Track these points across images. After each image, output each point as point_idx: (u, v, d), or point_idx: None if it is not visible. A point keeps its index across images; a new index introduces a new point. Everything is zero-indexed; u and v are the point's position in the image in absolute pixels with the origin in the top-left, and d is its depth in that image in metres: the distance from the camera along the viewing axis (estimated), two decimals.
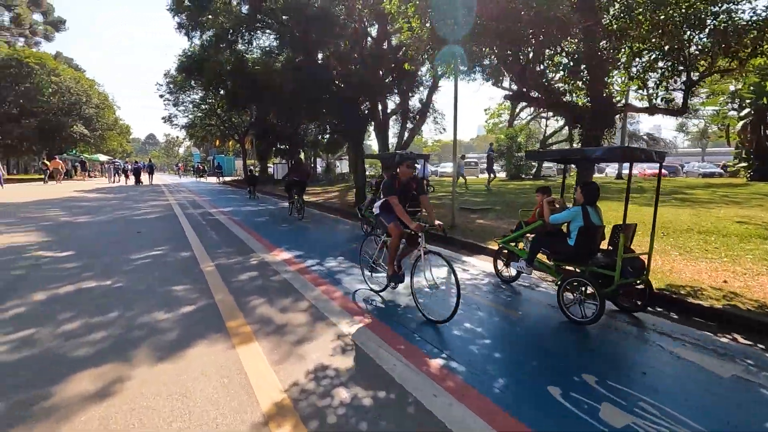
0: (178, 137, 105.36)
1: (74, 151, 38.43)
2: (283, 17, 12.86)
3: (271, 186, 24.58)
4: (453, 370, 2.97)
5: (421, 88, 19.33)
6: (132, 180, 28.95)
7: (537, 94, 6.86)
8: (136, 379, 2.78)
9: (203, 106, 30.76)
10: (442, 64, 7.93)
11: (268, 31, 15.25)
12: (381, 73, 16.30)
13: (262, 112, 21.06)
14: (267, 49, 17.30)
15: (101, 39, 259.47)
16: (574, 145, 21.25)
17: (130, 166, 31.16)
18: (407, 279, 4.35)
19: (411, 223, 4.05)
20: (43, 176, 27.81)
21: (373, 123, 18.84)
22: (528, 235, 4.99)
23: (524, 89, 6.82)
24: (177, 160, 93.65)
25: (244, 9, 13.95)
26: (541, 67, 6.84)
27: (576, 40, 6.22)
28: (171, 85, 28.57)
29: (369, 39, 16.30)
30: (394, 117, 23.65)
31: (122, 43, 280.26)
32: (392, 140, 24.40)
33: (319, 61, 14.28)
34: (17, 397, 2.55)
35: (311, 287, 4.88)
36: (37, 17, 40.33)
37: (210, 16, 13.25)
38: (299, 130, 22.64)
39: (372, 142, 40.43)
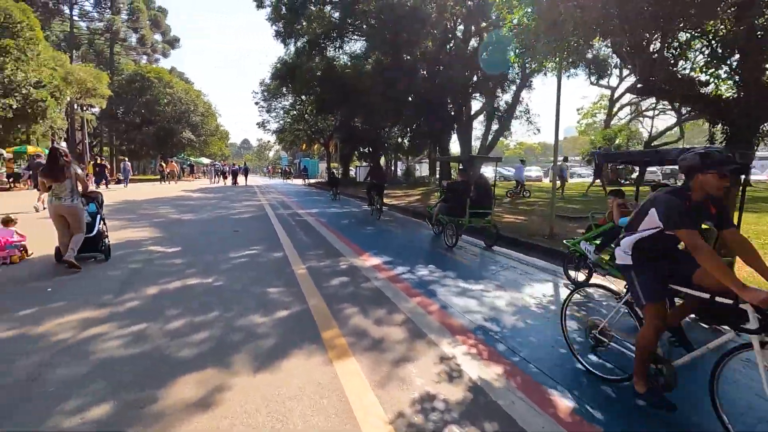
0: (269, 141, 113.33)
1: (182, 155, 42.98)
2: (372, 21, 12.93)
3: (353, 188, 25.09)
4: (589, 417, 2.44)
5: (513, 87, 18.26)
6: (230, 181, 31.73)
7: (666, 86, 5.87)
8: (235, 389, 2.67)
9: (292, 112, 32.55)
10: (545, 57, 7.19)
11: (357, 35, 15.50)
12: (467, 72, 15.71)
13: (347, 116, 21.60)
14: (355, 53, 17.66)
15: (206, 52, 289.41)
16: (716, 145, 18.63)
17: (228, 169, 34.10)
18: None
19: (747, 292, 2.06)
20: (159, 177, 31.67)
21: (455, 125, 18.26)
22: None
23: (650, 81, 5.87)
24: (267, 163, 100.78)
25: (336, 14, 14.31)
26: (672, 53, 5.84)
27: (725, 19, 5.17)
28: (265, 93, 30.71)
29: (457, 38, 15.80)
30: (477, 118, 22.81)
31: (223, 56, 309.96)
32: (474, 143, 23.52)
33: (407, 63, 14.13)
34: (129, 396, 2.56)
35: (405, 298, 4.58)
36: (157, 37, 45.99)
37: (304, 23, 13.81)
38: (382, 133, 22.81)
39: (453, 145, 39.51)
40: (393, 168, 35.41)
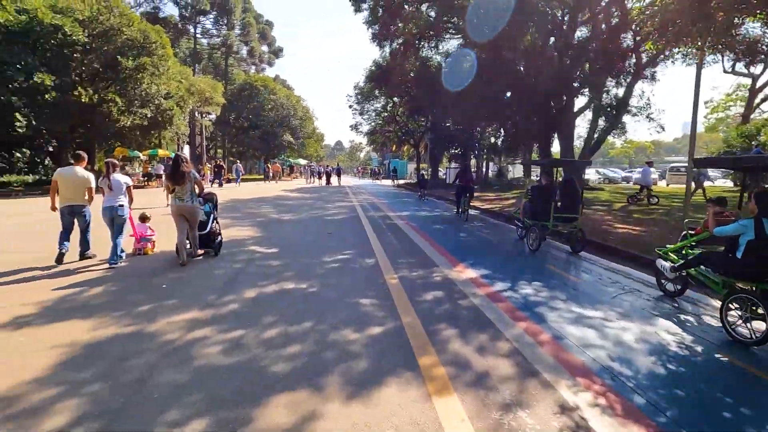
0: (360, 143, 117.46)
1: (282, 156, 46.25)
2: (470, 17, 12.34)
3: (443, 190, 24.57)
4: None
5: (626, 79, 16.23)
6: (324, 181, 33.43)
7: None
8: (327, 417, 2.46)
9: (384, 114, 33.08)
10: (686, 39, 6.03)
11: (452, 32, 15.01)
12: (573, 65, 14.27)
13: (439, 117, 21.12)
14: (451, 52, 17.16)
15: (304, 58, 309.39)
16: None
17: (323, 169, 36.10)
18: None
19: None
20: (264, 176, 34.75)
21: (559, 123, 16.75)
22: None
23: None
24: (358, 164, 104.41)
25: (432, 13, 14.00)
26: None
27: None
28: (358, 96, 31.65)
29: (563, 29, 14.44)
30: (581, 115, 20.71)
31: (320, 61, 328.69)
32: (575, 142, 21.40)
33: (507, 58, 13.27)
34: (224, 414, 2.49)
35: (509, 322, 4.06)
36: (264, 48, 50.18)
37: (400, 24, 13.74)
38: (474, 133, 21.94)
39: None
40: (484, 170, 34.08)
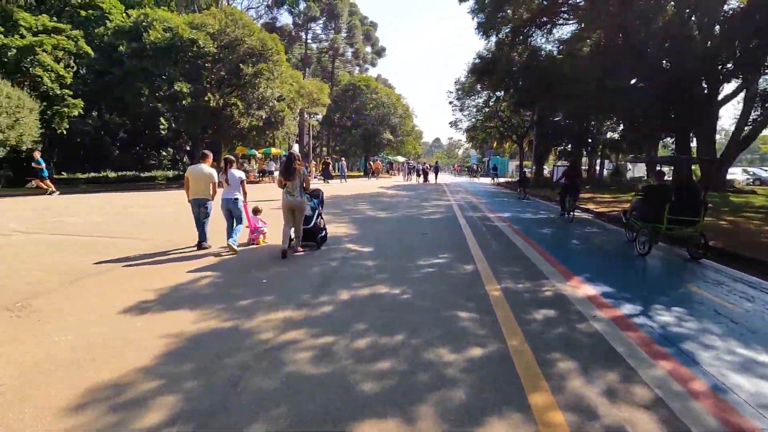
0: (459, 140, 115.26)
1: (382, 154, 47.25)
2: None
3: (548, 190, 22.63)
4: None
5: None
6: (421, 179, 33.37)
7: None
8: None
9: (485, 110, 31.71)
10: None
11: (567, 16, 13.54)
12: (720, 44, 11.81)
13: (548, 110, 19.35)
14: (565, 38, 15.55)
15: (405, 56, 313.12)
16: None
17: (420, 167, 36.07)
18: None
19: None
20: (365, 173, 36.24)
21: (700, 114, 14.12)
22: None
23: None
24: (456, 161, 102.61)
25: None
26: None
27: None
28: (459, 92, 30.77)
29: (708, 4, 12.06)
30: (725, 105, 17.19)
31: (420, 57, 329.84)
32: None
33: (635, 42, 11.50)
34: None
35: (646, 359, 3.27)
36: (367, 49, 51.75)
37: (509, 11, 12.79)
38: (590, 127, 19.66)
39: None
40: (598, 168, 30.59)
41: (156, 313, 4.06)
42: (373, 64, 53.80)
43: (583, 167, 28.42)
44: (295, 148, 40.10)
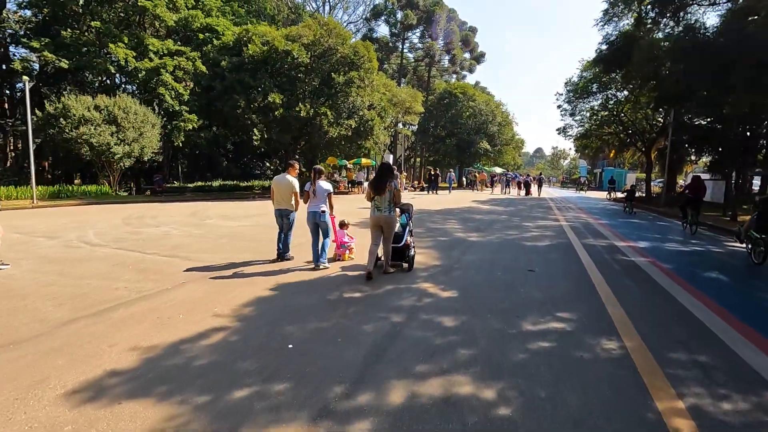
0: (564, 150, 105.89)
1: (478, 165, 44.35)
2: None
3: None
4: None
5: None
6: (523, 192, 30.34)
7: None
8: None
9: (602, 113, 27.29)
10: None
11: None
12: None
13: (702, 108, 14.84)
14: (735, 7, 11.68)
15: (508, 61, 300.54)
16: None
17: (521, 178, 33.03)
18: None
19: None
20: (467, 184, 34.80)
21: None
22: None
23: None
24: (560, 173, 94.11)
25: None
26: None
27: None
28: (570, 94, 26.93)
29: None
30: None
31: (524, 64, 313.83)
32: None
33: None
34: None
35: None
36: (466, 55, 49.42)
37: None
38: (761, 130, 14.83)
39: None
40: (748, 182, 24.12)
41: (226, 334, 2.64)
42: (471, 71, 51.12)
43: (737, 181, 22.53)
44: (389, 158, 39.48)
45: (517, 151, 55.89)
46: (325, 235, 6.50)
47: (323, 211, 6.37)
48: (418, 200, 20.86)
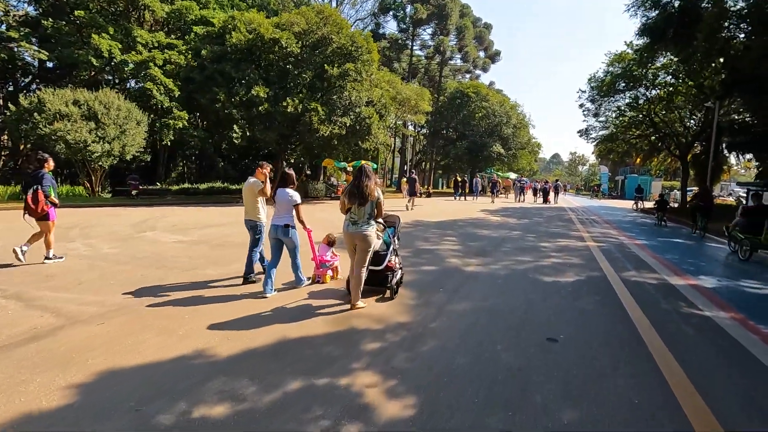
0: (583, 155, 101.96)
1: (490, 170, 41.56)
2: None
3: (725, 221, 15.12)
4: None
5: None
6: (540, 199, 28.38)
7: None
8: None
9: (630, 114, 24.37)
10: None
11: None
12: None
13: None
14: None
15: (526, 62, 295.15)
16: None
17: (539, 185, 31.15)
18: None
19: None
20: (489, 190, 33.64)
21: None
22: None
23: None
24: (579, 179, 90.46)
25: None
26: None
27: None
28: (594, 91, 24.11)
29: None
30: None
31: (544, 66, 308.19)
32: None
33: None
34: None
35: None
36: (480, 53, 46.70)
37: None
38: None
39: None
40: None
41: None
42: (485, 70, 48.17)
43: None
44: (397, 161, 36.82)
45: (534, 155, 52.81)
46: (292, 255, 5.43)
47: (287, 226, 5.23)
48: (417, 210, 18.36)
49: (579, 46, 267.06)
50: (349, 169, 28.08)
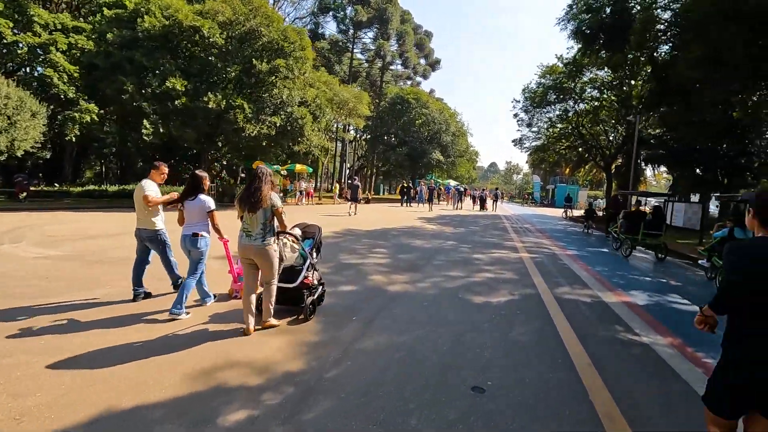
0: (517, 164, 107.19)
1: (431, 176, 41.76)
2: None
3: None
4: None
5: None
6: (478, 206, 29.16)
7: None
8: None
9: (560, 125, 25.35)
10: None
11: None
12: None
13: (714, 107, 11.76)
14: None
15: (466, 74, 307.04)
16: None
17: (477, 193, 32.28)
18: None
19: None
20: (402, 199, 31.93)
21: None
22: None
23: None
24: (513, 188, 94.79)
25: None
26: None
27: None
28: (528, 101, 24.77)
29: None
30: None
31: (482, 75, 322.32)
32: None
33: None
34: None
35: None
36: (421, 60, 47.04)
37: None
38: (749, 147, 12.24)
39: None
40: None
41: None
42: (426, 77, 48.66)
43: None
44: (263, 168, 35.63)
45: (472, 164, 54.19)
46: (191, 271, 4.62)
47: (195, 235, 4.56)
48: (353, 218, 17.40)
49: (518, 59, 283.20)
50: (283, 172, 26.52)
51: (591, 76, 22.79)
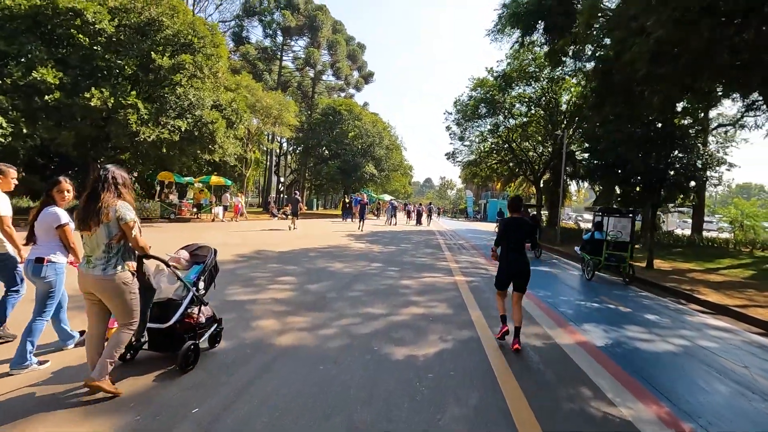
0: (451, 180, 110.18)
1: (364, 190, 40.45)
2: None
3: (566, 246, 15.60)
4: None
5: None
6: (414, 221, 28.95)
7: None
8: None
9: (488, 141, 25.30)
10: None
11: None
12: None
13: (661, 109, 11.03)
14: None
15: (395, 87, 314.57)
16: None
17: (412, 208, 31.73)
18: None
19: None
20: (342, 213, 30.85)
21: None
22: None
23: None
24: (448, 203, 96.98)
25: None
26: None
27: None
28: (460, 114, 24.44)
29: None
30: None
31: (413, 92, 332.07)
32: None
33: None
34: None
35: None
36: (355, 73, 46.08)
37: None
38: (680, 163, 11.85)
39: None
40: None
41: None
42: (359, 89, 47.73)
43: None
44: (274, 180, 32.91)
45: (407, 178, 53.94)
46: (38, 310, 3.41)
47: (38, 261, 3.38)
48: (272, 236, 15.32)
49: (453, 74, 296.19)
50: (197, 185, 23.60)
51: (519, 91, 22.94)
